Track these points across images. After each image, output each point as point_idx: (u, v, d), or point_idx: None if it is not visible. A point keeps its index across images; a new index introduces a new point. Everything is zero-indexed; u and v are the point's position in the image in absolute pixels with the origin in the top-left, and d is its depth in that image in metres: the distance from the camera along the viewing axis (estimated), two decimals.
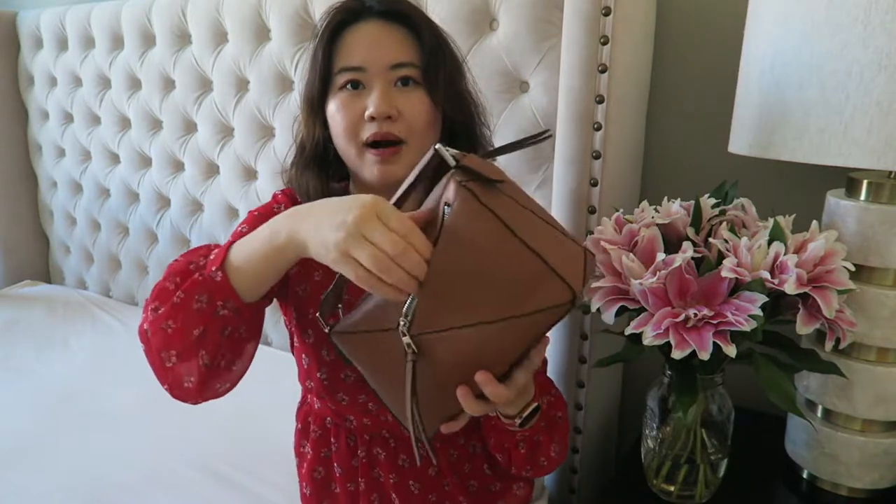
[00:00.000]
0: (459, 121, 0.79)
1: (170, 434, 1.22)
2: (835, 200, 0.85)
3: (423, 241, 0.54)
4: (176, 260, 0.69)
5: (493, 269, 0.54)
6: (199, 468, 1.12)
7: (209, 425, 1.23)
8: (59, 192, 2.05)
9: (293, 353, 0.89)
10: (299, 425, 0.95)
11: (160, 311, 0.63)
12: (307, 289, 0.82)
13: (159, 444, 1.19)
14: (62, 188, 2.03)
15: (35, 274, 2.18)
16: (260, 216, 0.80)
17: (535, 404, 0.69)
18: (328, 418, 0.90)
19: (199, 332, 0.61)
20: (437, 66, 0.75)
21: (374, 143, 0.74)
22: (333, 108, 0.75)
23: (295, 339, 0.87)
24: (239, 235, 0.74)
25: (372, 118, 0.72)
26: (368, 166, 0.75)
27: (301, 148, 0.82)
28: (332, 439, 0.90)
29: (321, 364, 0.82)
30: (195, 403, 0.68)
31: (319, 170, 0.81)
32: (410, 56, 0.74)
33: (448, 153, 0.57)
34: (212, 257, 0.65)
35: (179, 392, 0.66)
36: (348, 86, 0.74)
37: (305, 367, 0.85)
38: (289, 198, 0.85)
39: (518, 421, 0.69)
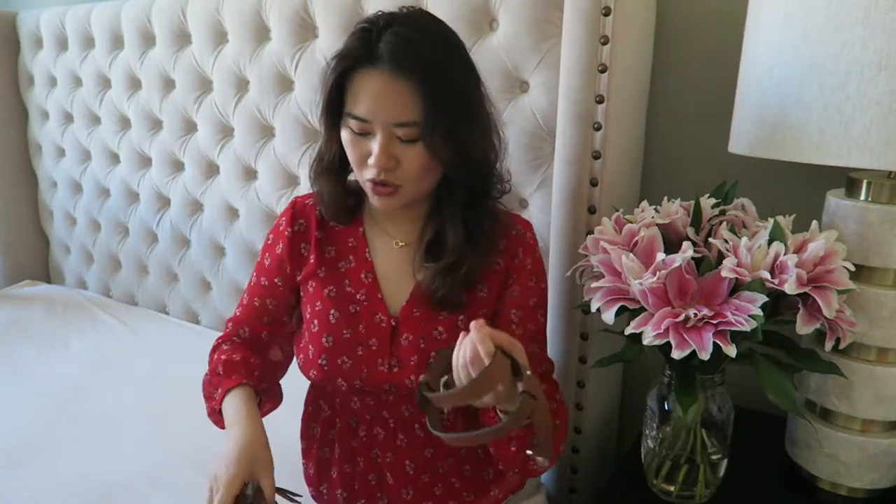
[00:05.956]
0: (456, 173, 0.82)
1: (170, 434, 1.22)
2: (835, 200, 0.85)
3: None
4: (217, 349, 0.94)
5: None
6: (199, 468, 1.11)
7: (209, 425, 1.23)
8: (59, 192, 2.05)
9: (295, 352, 0.94)
10: (310, 408, 0.98)
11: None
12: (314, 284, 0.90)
13: (159, 444, 1.19)
14: (62, 188, 2.03)
15: (35, 274, 2.18)
16: (273, 242, 0.93)
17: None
18: (337, 399, 0.93)
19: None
20: (435, 126, 0.76)
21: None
22: (345, 138, 0.81)
23: (305, 336, 0.91)
24: (261, 266, 0.94)
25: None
26: (371, 195, 0.83)
27: (320, 156, 0.89)
28: (336, 420, 0.93)
29: (321, 351, 0.87)
30: None
31: (335, 177, 0.88)
32: (412, 114, 0.75)
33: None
34: (218, 393, 0.89)
35: None
36: (355, 128, 0.79)
37: (310, 357, 0.89)
38: (294, 210, 0.92)
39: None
